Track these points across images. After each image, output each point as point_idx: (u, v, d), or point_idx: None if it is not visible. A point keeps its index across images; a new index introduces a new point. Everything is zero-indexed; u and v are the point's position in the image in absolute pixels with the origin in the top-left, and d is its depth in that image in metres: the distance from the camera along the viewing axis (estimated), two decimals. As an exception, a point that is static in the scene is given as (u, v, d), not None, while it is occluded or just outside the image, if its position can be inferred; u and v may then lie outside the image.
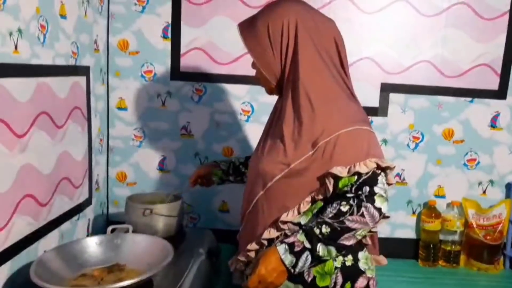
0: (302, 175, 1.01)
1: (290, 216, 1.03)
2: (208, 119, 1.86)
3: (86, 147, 1.65)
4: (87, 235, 1.71)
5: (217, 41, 1.80)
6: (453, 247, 1.81)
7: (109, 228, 1.33)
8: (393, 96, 1.82)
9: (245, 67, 1.80)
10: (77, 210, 1.60)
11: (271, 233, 1.06)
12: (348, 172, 0.97)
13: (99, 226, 1.83)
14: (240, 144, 1.87)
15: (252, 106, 1.85)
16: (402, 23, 1.78)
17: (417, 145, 1.84)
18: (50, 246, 1.40)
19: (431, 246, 1.82)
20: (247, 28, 1.10)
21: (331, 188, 0.99)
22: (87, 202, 1.69)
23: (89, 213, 1.73)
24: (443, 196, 1.87)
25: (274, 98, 1.86)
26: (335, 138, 0.99)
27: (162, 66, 1.83)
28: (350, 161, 0.98)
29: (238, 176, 1.48)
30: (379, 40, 1.77)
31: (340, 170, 0.98)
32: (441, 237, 1.82)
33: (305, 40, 1.04)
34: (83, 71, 1.62)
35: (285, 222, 1.04)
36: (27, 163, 1.26)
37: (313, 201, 1.03)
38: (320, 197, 1.02)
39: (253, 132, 1.86)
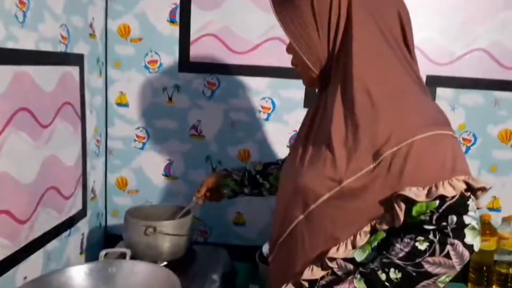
0: (359, 197, 0.75)
1: (341, 251, 0.77)
2: (222, 117, 1.60)
3: (79, 150, 1.40)
4: (81, 253, 1.46)
5: (233, 26, 1.54)
6: (510, 270, 1.55)
7: (102, 253, 1.08)
8: (440, 91, 1.55)
9: (266, 57, 1.54)
10: (67, 224, 1.35)
11: (314, 272, 0.80)
12: (428, 195, 0.71)
13: (96, 241, 1.58)
14: (258, 146, 1.61)
15: (274, 103, 1.58)
16: (452, 5, 1.50)
17: (468, 148, 1.57)
18: (33, 271, 1.16)
19: (484, 268, 1.55)
20: (284, 1, 0.84)
21: (401, 216, 0.73)
22: (81, 214, 1.44)
23: (83, 226, 1.48)
24: (498, 209, 1.60)
25: (300, 93, 1.65)
26: (407, 148, 0.73)
27: (169, 55, 1.57)
28: (429, 179, 0.72)
29: (255, 188, 1.23)
30: (424, 25, 1.50)
31: (416, 192, 0.71)
32: (496, 257, 1.56)
33: (362, 15, 0.78)
34: (75, 60, 1.36)
35: (333, 259, 0.78)
36: (2, 171, 1.01)
37: (373, 231, 0.77)
38: (384, 227, 0.76)
39: (274, 133, 1.60)
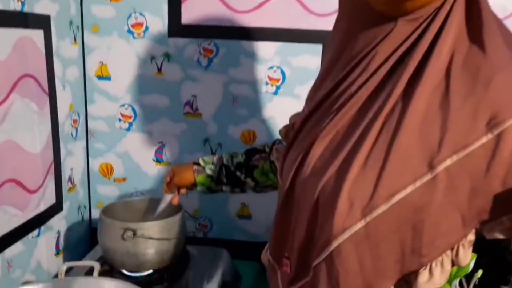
0: (458, 189, 0.50)
1: (436, 275, 0.52)
2: (221, 91, 1.33)
3: (48, 133, 1.16)
4: (57, 254, 1.24)
5: (233, -22, 1.26)
6: None
7: (63, 267, 0.85)
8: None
9: (274, 16, 1.26)
10: (35, 222, 1.12)
11: None
12: None
13: (77, 239, 1.36)
14: (265, 126, 1.35)
15: (283, 73, 1.31)
16: None
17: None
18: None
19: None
20: None
21: None
22: (54, 209, 1.21)
23: (58, 223, 1.25)
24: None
25: (315, 61, 1.29)
26: None
27: (157, 17, 1.30)
28: None
29: (237, 186, 0.99)
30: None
31: None
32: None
33: None
34: (38, 22, 1.11)
35: None
36: None
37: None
38: (497, 236, 0.51)
39: (284, 109, 1.32)
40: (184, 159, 1.38)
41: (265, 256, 0.73)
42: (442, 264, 0.51)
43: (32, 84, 1.09)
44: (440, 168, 0.49)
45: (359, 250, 0.53)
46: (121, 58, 1.34)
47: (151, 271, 1.02)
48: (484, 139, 0.48)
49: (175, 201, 1.03)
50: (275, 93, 1.33)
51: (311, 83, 1.30)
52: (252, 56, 1.31)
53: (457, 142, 0.48)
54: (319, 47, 1.26)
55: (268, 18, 1.26)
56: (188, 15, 1.30)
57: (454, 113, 0.49)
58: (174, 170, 1.03)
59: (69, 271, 1.02)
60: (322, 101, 0.62)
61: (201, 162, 1.01)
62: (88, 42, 1.34)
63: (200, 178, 0.99)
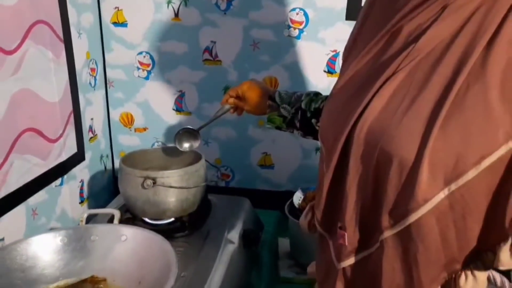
0: None
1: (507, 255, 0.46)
2: (241, 36, 1.27)
3: (65, 81, 1.14)
4: (81, 202, 1.26)
5: None
6: None
7: (84, 215, 0.85)
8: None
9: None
10: (58, 171, 1.13)
11: (478, 277, 0.49)
12: None
13: (101, 188, 1.37)
14: (288, 73, 1.29)
15: (307, 15, 1.23)
16: None
17: None
18: (13, 230, 0.95)
19: None
20: None
21: None
22: (77, 158, 1.22)
23: (82, 172, 1.26)
24: None
25: (341, 1, 1.17)
26: None
27: (172, -44, 1.23)
28: None
29: (309, 133, 0.88)
30: None
31: None
32: None
33: None
34: (48, -36, 1.05)
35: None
36: None
37: None
38: None
39: (308, 55, 1.27)
40: (204, 108, 1.35)
41: (305, 221, 0.67)
42: None
43: (46, 30, 1.05)
44: None
45: (441, 223, 0.47)
46: (136, 3, 1.29)
47: (172, 219, 1.01)
48: None
49: (232, 110, 0.98)
50: (298, 37, 1.26)
51: (336, 26, 1.24)
52: (273, -3, 1.23)
53: None
54: (345, -14, 1.18)
55: (291, -46, 1.18)
56: (205, -46, 1.22)
57: None
58: (245, 93, 0.94)
59: (91, 218, 1.04)
60: (374, 58, 0.55)
61: (277, 99, 0.90)
62: (102, -14, 1.29)
63: (271, 115, 0.91)
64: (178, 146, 1.00)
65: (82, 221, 0.88)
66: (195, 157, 1.06)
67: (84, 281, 0.75)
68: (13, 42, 0.94)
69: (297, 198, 1.18)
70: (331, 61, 1.26)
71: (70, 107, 1.17)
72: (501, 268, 0.47)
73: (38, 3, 1.02)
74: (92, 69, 1.30)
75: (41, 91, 1.04)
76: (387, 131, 0.49)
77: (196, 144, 1.01)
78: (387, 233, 0.51)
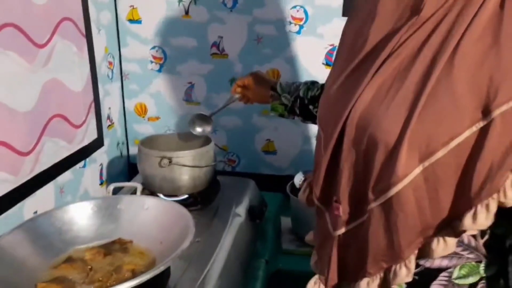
0: (479, 151, 0.53)
1: (469, 221, 0.54)
2: (246, 32, 1.39)
3: (87, 73, 1.26)
4: (101, 183, 1.38)
5: None
6: None
7: (110, 187, 0.97)
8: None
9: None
10: (81, 155, 1.25)
11: (448, 243, 0.57)
12: None
13: (118, 172, 1.49)
14: (289, 65, 1.40)
15: (306, 12, 1.35)
16: None
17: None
18: (44, 204, 1.07)
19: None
20: None
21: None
22: (97, 144, 1.33)
23: (101, 156, 1.37)
24: None
25: (338, 0, 1.38)
26: None
27: (183, -41, 1.35)
28: None
29: (308, 118, 0.99)
30: None
31: None
32: None
33: None
34: (72, -33, 1.17)
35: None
36: (-11, 98, 0.88)
37: None
38: None
39: (308, 48, 1.38)
40: (212, 98, 1.47)
41: (303, 195, 0.76)
42: (487, 207, 0.52)
43: (71, 27, 1.17)
44: (496, 113, 0.51)
45: (417, 194, 0.55)
46: (150, 2, 1.40)
47: (186, 195, 1.13)
48: None
49: (240, 98, 1.09)
50: (298, 32, 1.37)
51: (333, 22, 1.35)
52: (275, -4, 1.35)
53: None
54: (341, -15, 1.29)
55: (291, -44, 1.29)
56: (213, -44, 1.33)
57: (507, 57, 0.51)
58: (251, 84, 1.06)
59: (116, 192, 1.15)
60: (370, 49, 0.62)
61: (278, 89, 1.01)
62: (119, -14, 1.40)
63: (274, 104, 1.02)
64: (191, 130, 1.12)
65: (109, 192, 1.00)
66: (205, 140, 1.18)
67: (113, 242, 0.86)
68: (44, 36, 1.06)
69: (298, 179, 1.29)
70: (329, 54, 1.37)
71: (91, 97, 1.29)
72: (466, 231, 0.55)
73: (64, 2, 1.14)
74: (110, 63, 1.41)
75: (67, 81, 1.16)
76: (374, 119, 0.58)
77: (208, 128, 1.12)
78: (373, 205, 0.59)
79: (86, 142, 1.26)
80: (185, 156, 1.07)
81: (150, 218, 0.89)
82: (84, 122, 1.25)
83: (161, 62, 1.46)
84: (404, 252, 0.58)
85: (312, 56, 1.38)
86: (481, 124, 0.52)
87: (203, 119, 1.12)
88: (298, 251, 1.22)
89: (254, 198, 1.23)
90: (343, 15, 1.32)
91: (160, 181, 1.08)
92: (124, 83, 1.50)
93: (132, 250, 0.84)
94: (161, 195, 1.13)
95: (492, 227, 0.54)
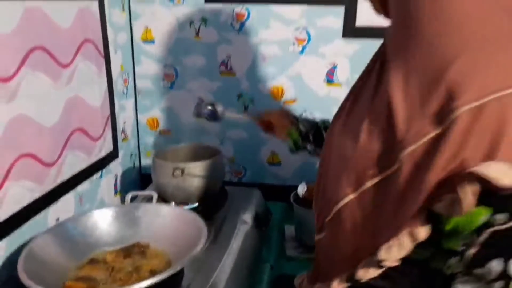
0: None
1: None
2: (252, 52, 1.49)
3: (105, 90, 1.35)
4: (115, 193, 1.46)
5: None
6: None
7: (128, 196, 1.05)
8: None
9: (300, -19, 1.39)
10: (99, 166, 1.34)
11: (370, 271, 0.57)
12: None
13: (130, 182, 1.58)
14: (293, 82, 1.50)
15: (308, 33, 1.44)
16: None
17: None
18: (66, 212, 1.16)
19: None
20: None
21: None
22: (112, 156, 1.42)
23: (116, 168, 1.46)
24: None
25: (338, 22, 1.39)
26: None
27: (194, -16, 1.45)
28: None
29: (319, 146, 1.03)
30: None
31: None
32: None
33: None
34: (94, -7, 1.28)
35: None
36: (19, 114, 0.98)
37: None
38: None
39: (310, 67, 1.48)
40: (220, 113, 1.55)
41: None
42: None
43: (91, 48, 1.27)
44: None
45: (353, 214, 0.59)
46: (163, 23, 1.50)
47: (196, 204, 1.21)
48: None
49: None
50: (301, 52, 1.47)
51: (334, 42, 1.44)
52: (280, 18, 1.44)
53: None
54: (341, 9, 1.39)
55: (295, -18, 1.39)
56: (222, -18, 1.44)
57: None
58: (273, 119, 1.13)
59: (133, 200, 1.24)
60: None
61: (300, 126, 1.07)
62: (135, 9, 1.50)
63: (290, 130, 1.07)
64: (196, 109, 1.20)
65: (127, 200, 1.08)
66: (214, 152, 1.27)
67: (132, 245, 0.94)
68: (68, 57, 1.16)
69: (301, 189, 1.37)
70: (330, 73, 1.47)
71: (108, 112, 1.38)
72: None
73: (86, 25, 1.24)
74: (125, 80, 1.51)
75: (87, 97, 1.25)
76: None
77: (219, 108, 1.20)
78: (327, 218, 0.64)
79: (103, 154, 1.36)
80: (197, 167, 1.16)
81: (165, 223, 0.97)
82: (101, 135, 1.34)
83: (173, 79, 1.56)
84: (332, 278, 0.62)
85: (314, 74, 1.48)
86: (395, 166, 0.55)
87: (214, 111, 1.19)
88: (301, 257, 1.29)
89: (260, 207, 1.32)
90: (343, 36, 1.42)
91: (172, 190, 1.17)
92: (137, 98, 1.59)
93: (150, 253, 0.93)
94: (174, 203, 1.21)
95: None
